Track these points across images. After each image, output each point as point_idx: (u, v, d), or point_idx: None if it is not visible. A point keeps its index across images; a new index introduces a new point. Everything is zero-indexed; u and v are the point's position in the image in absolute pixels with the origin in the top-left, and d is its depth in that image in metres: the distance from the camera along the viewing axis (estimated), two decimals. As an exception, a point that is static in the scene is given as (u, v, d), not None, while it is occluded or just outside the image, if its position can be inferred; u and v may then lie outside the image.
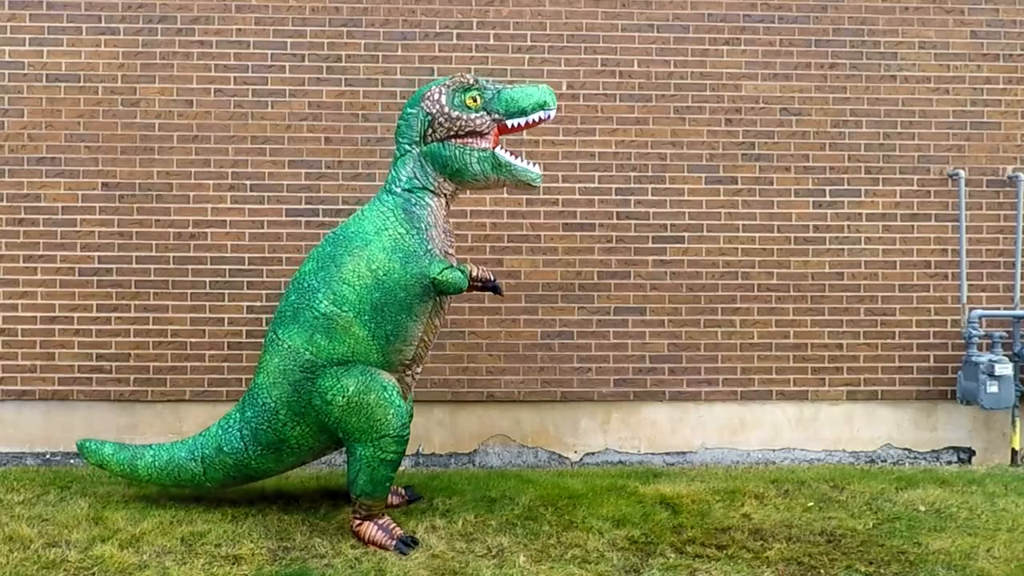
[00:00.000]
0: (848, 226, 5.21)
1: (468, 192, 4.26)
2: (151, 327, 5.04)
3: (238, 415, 3.91)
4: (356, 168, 5.09)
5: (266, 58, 5.07)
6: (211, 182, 5.05)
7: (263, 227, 5.07)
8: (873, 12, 5.21)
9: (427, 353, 3.96)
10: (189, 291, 5.05)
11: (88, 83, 5.02)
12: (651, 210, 5.16)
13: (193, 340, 5.04)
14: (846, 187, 5.21)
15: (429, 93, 3.83)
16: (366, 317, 3.66)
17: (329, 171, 5.08)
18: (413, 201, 3.78)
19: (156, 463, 4.03)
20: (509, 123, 3.82)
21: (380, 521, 3.73)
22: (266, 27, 5.07)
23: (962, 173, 5.17)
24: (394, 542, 3.64)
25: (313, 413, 3.73)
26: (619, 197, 5.14)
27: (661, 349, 5.16)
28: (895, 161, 5.22)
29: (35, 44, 5.02)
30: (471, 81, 3.82)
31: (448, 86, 3.82)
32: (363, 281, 3.67)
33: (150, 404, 5.06)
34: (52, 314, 5.01)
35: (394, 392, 3.69)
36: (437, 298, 3.79)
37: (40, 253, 5.02)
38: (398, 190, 3.82)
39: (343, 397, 3.65)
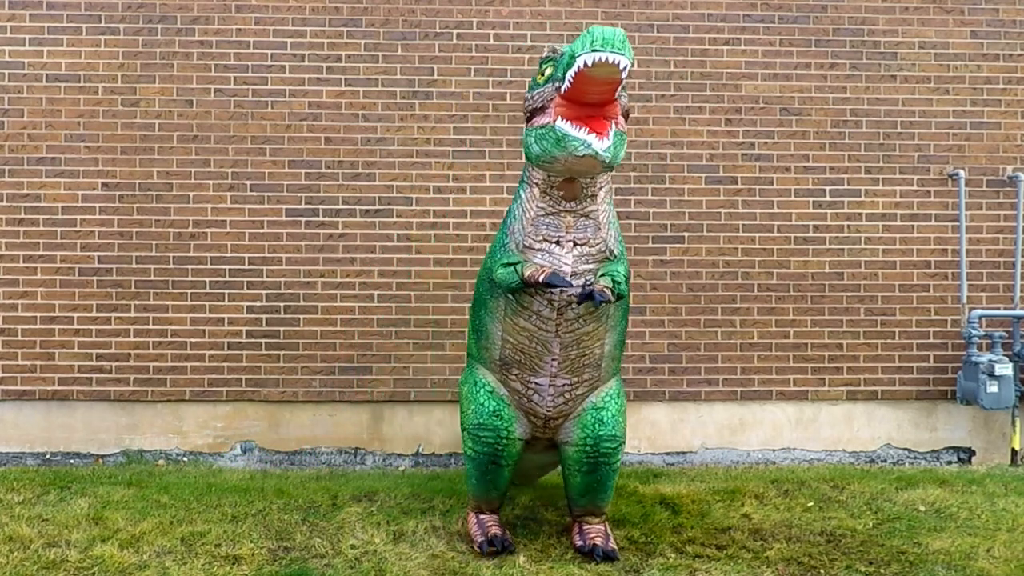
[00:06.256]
0: (848, 226, 5.21)
1: (564, 178, 3.68)
2: (151, 327, 5.03)
3: None
4: (356, 168, 5.09)
5: (266, 58, 5.07)
6: (211, 182, 5.05)
7: (263, 227, 5.06)
8: (873, 12, 5.21)
9: (532, 360, 3.43)
10: (189, 291, 5.04)
11: (88, 83, 5.02)
12: (651, 210, 5.16)
13: (193, 340, 5.04)
14: (846, 187, 5.21)
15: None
16: (472, 313, 3.73)
17: (329, 171, 5.08)
18: (516, 195, 3.54)
19: None
20: (564, 85, 3.08)
21: (481, 516, 3.64)
22: (266, 27, 5.07)
23: (962, 173, 5.17)
24: (481, 539, 3.53)
25: None
26: (619, 197, 5.14)
27: (661, 349, 5.16)
28: (895, 161, 5.22)
29: (35, 44, 5.02)
30: (546, 52, 3.34)
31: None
32: (479, 278, 3.72)
33: (150, 404, 5.06)
34: (52, 314, 5.01)
35: (482, 391, 3.55)
36: (510, 296, 3.37)
37: (40, 253, 5.02)
38: None
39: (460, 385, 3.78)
